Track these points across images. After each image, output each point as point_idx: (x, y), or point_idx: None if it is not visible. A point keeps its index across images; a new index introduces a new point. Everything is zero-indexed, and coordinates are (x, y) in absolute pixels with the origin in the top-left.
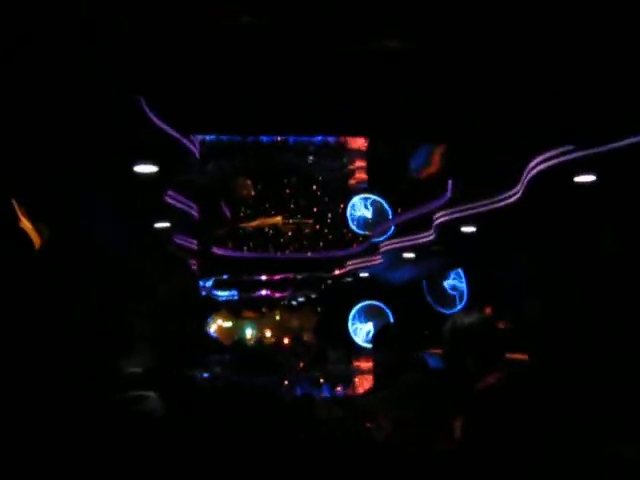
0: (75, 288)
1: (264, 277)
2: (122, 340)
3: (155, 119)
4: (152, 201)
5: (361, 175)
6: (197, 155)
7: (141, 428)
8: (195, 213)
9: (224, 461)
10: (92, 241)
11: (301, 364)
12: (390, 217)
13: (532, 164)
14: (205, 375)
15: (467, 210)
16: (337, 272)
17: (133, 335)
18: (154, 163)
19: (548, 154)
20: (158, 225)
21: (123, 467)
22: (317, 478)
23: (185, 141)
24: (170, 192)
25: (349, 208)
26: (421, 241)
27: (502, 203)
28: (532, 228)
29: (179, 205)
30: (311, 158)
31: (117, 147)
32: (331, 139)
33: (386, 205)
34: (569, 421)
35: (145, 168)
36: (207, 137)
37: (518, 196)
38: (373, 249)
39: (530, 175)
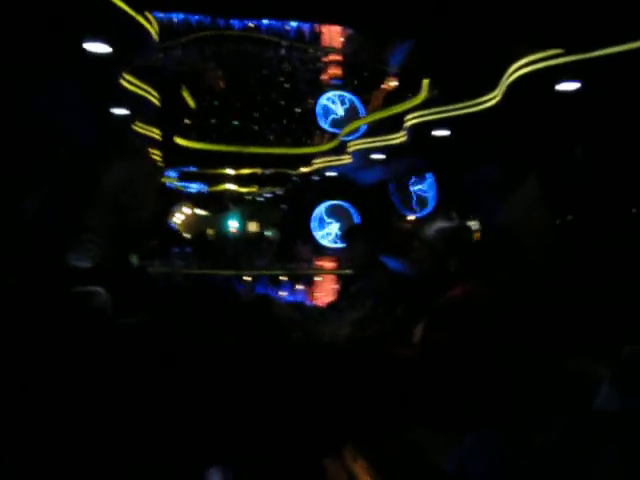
0: (28, 178)
1: (232, 171)
2: (70, 231)
3: None
4: (108, 85)
5: (335, 71)
6: (154, 36)
7: (90, 324)
8: (155, 100)
9: (177, 361)
10: (46, 129)
11: (264, 260)
12: (362, 113)
13: (514, 67)
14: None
15: (441, 112)
16: (304, 170)
17: (82, 226)
18: (106, 42)
19: (531, 57)
20: (116, 111)
21: (72, 364)
22: (271, 379)
23: (140, 20)
24: (128, 76)
25: (319, 103)
26: (392, 142)
27: (479, 107)
28: (506, 135)
29: (137, 91)
30: (282, 50)
31: (66, 25)
32: (306, 27)
33: (359, 103)
34: (533, 338)
35: (96, 47)
36: (175, 17)
37: (496, 100)
38: (342, 148)
39: (511, 79)
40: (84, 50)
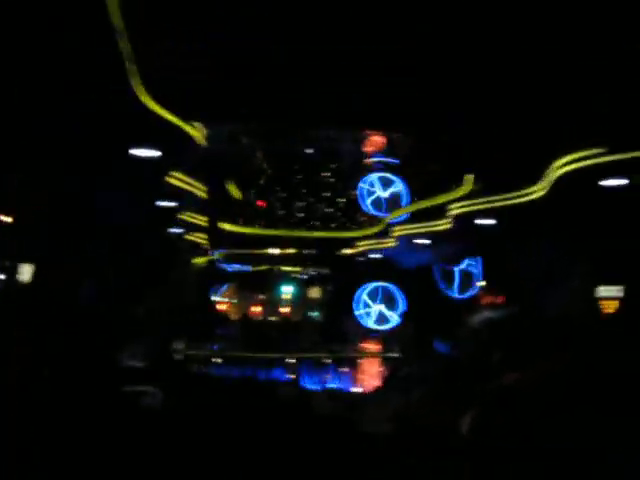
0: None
1: (277, 251)
2: (129, 330)
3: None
4: (157, 183)
5: (378, 153)
6: (201, 141)
7: (141, 422)
8: (202, 194)
9: (221, 458)
10: (107, 228)
11: (308, 342)
12: (406, 199)
13: (559, 163)
14: (214, 347)
15: (486, 203)
16: (348, 251)
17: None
18: (156, 148)
19: (576, 155)
20: (164, 204)
21: (123, 459)
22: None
23: (186, 128)
24: (176, 173)
25: (364, 186)
26: (436, 228)
27: (523, 199)
28: (552, 224)
29: (184, 186)
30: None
31: (116, 134)
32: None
33: (403, 186)
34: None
35: (146, 152)
36: None
37: (541, 193)
38: (386, 231)
39: (557, 174)
40: (132, 155)
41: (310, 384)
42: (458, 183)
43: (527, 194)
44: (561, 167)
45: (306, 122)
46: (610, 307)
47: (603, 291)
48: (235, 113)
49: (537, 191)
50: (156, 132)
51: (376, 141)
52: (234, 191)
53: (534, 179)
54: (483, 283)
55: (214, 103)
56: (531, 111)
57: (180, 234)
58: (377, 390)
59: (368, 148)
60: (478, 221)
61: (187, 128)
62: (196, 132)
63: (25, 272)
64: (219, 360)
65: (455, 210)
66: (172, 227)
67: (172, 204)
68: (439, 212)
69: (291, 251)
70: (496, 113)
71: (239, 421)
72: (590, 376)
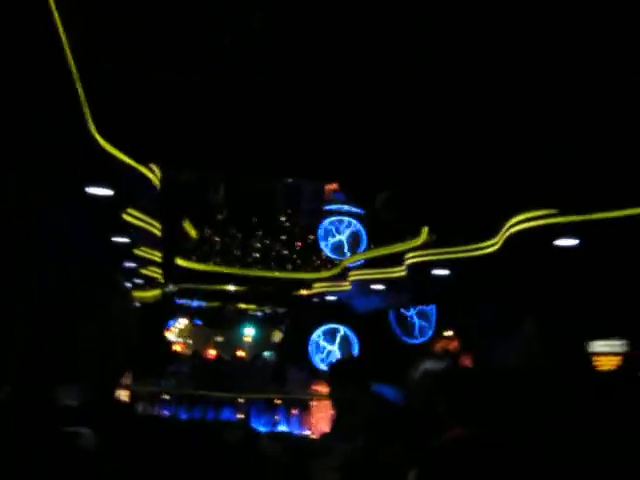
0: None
1: (233, 288)
2: (61, 367)
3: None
4: (110, 219)
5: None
6: (156, 182)
7: (74, 465)
8: (156, 231)
9: None
10: (46, 256)
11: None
12: (364, 242)
13: (513, 221)
14: (161, 384)
15: (441, 254)
16: (304, 292)
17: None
18: (109, 187)
19: (530, 214)
20: (118, 240)
21: None
22: None
23: (141, 170)
24: (131, 210)
25: (321, 229)
26: (392, 275)
27: (478, 252)
28: (506, 279)
29: (139, 223)
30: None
31: (70, 171)
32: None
33: (361, 229)
34: None
35: (100, 191)
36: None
37: (495, 248)
38: (342, 275)
39: (510, 232)
40: (88, 193)
41: (260, 425)
42: (414, 234)
43: (481, 248)
44: (514, 225)
45: (265, 172)
46: (607, 363)
47: (598, 346)
48: (193, 158)
49: (491, 246)
50: (110, 172)
51: (335, 189)
52: (190, 229)
53: (488, 234)
54: (436, 330)
55: (171, 146)
56: (484, 169)
57: (131, 268)
58: (324, 435)
59: (327, 195)
60: (433, 271)
61: (142, 170)
62: (151, 174)
63: None
64: (167, 397)
65: (410, 260)
66: (125, 261)
67: (125, 240)
68: (395, 260)
69: (247, 289)
70: (450, 168)
71: (182, 464)
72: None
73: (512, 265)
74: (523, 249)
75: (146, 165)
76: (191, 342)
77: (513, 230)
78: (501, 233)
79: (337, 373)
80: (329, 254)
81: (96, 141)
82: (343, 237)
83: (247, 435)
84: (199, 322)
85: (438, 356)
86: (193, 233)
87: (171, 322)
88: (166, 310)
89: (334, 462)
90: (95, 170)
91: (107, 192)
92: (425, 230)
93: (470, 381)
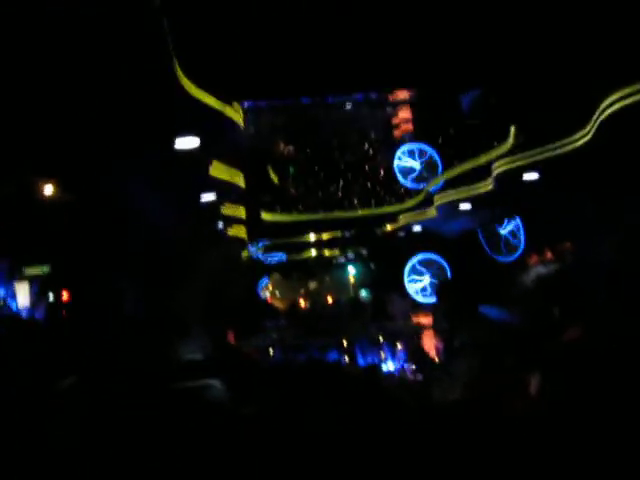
0: (124, 275)
1: (314, 237)
2: (177, 325)
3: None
4: (197, 175)
5: (407, 126)
6: (241, 124)
7: (208, 417)
8: (241, 182)
9: (296, 450)
10: (141, 225)
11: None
12: (440, 167)
13: (605, 104)
14: (263, 343)
15: (531, 157)
16: (389, 227)
17: (186, 318)
18: (196, 135)
19: (624, 92)
20: (205, 198)
21: (191, 458)
22: (385, 452)
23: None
24: (215, 163)
25: (395, 160)
26: (478, 191)
27: (569, 147)
28: (597, 171)
29: (224, 176)
30: (349, 107)
31: (158, 124)
32: (373, 94)
33: (435, 154)
34: None
35: (187, 141)
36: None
37: (588, 138)
38: (426, 202)
39: (604, 115)
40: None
41: (367, 363)
42: (500, 139)
43: (572, 142)
44: (608, 107)
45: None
46: None
47: None
48: (273, 88)
49: (583, 137)
50: (196, 118)
51: (406, 111)
52: (272, 176)
53: (579, 124)
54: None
55: (253, 80)
56: (571, 47)
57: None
58: (435, 364)
59: (398, 119)
60: (523, 176)
61: (227, 110)
62: (235, 114)
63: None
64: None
65: (498, 169)
66: (215, 222)
67: (213, 197)
68: (480, 174)
69: (327, 236)
70: (535, 53)
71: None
72: None
73: (604, 157)
74: (619, 133)
75: (230, 104)
76: (282, 296)
77: (607, 112)
78: (592, 121)
79: (442, 298)
80: (408, 185)
81: (182, 86)
82: (418, 165)
83: (367, 369)
84: (286, 276)
85: (546, 262)
86: (275, 179)
87: (262, 281)
88: (256, 269)
89: (451, 384)
90: (182, 117)
91: (194, 142)
92: (513, 130)
93: (578, 280)
